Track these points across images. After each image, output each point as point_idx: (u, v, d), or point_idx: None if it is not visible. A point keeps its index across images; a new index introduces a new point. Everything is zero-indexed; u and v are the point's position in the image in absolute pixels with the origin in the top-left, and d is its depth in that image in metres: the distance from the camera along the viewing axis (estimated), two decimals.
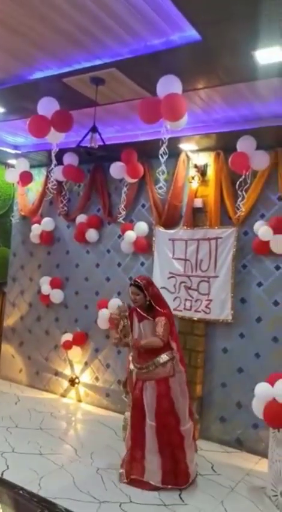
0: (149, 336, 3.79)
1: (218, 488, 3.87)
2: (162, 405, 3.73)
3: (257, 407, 3.77)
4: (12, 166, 6.43)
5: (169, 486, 3.70)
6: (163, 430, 3.71)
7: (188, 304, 5.06)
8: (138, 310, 3.89)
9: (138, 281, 3.87)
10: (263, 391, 3.70)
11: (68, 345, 6.02)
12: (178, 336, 4.20)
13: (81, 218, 6.10)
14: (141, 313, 3.87)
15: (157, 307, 3.84)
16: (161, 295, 4.07)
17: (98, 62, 3.52)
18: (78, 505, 3.36)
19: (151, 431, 3.73)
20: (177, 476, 3.73)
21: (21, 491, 3.41)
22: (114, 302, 5.60)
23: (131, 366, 3.96)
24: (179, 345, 4.02)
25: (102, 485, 3.76)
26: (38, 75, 3.86)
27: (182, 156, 5.21)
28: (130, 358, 3.99)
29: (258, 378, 4.04)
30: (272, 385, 3.63)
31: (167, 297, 5.16)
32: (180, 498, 3.66)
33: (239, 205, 4.73)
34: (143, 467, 3.77)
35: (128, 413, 4.00)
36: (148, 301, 3.85)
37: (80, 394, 6.09)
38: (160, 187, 3.80)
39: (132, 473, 3.80)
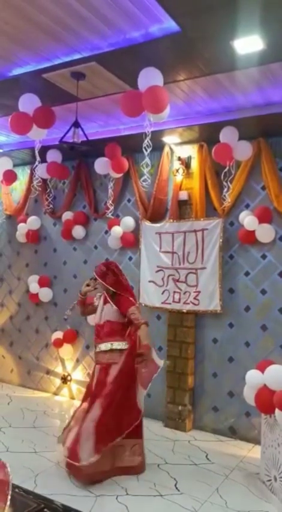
0: (106, 318, 4.00)
1: (212, 477, 3.92)
2: None
3: (249, 395, 3.82)
4: None
5: (67, 458, 3.75)
6: None
7: (176, 296, 5.08)
8: (105, 293, 4.11)
9: (95, 270, 4.12)
10: (254, 378, 3.74)
11: (58, 343, 6.02)
12: None
13: (67, 215, 6.08)
14: (107, 297, 4.07)
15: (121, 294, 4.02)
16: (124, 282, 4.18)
17: (77, 56, 3.51)
18: (75, 500, 3.37)
19: None
20: (72, 453, 3.70)
21: (17, 490, 3.40)
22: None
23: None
24: None
25: None
26: (18, 71, 3.83)
27: (166, 150, 5.22)
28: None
29: (249, 366, 4.08)
30: (262, 372, 3.68)
31: (156, 291, 5.22)
32: (176, 488, 3.69)
33: (224, 196, 4.76)
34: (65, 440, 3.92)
35: None
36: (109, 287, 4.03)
37: (73, 392, 6.09)
38: (144, 180, 3.81)
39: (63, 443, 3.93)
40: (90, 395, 3.97)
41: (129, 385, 3.82)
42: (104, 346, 3.94)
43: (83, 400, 4.09)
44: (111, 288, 4.01)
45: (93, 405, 3.80)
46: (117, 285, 4.03)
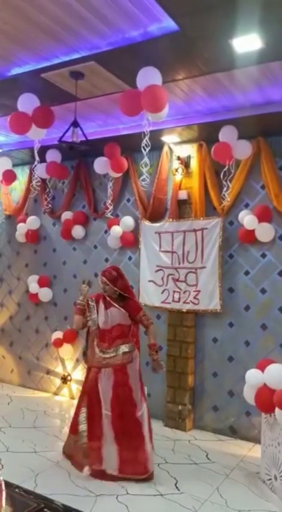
0: (116, 322, 3.98)
1: (213, 476, 3.92)
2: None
3: (249, 394, 3.82)
4: None
5: (127, 476, 3.70)
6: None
7: (176, 296, 5.08)
8: (107, 298, 4.03)
9: (105, 275, 4.01)
10: (254, 378, 3.74)
11: (58, 343, 6.01)
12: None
13: (66, 215, 6.08)
14: (110, 301, 4.01)
15: (129, 297, 4.06)
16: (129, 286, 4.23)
17: (76, 56, 3.51)
18: (75, 500, 3.37)
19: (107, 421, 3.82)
20: (136, 465, 3.72)
21: (17, 490, 3.39)
22: None
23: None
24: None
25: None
26: (16, 70, 3.82)
27: (165, 149, 5.22)
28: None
29: (249, 366, 4.08)
30: (262, 371, 3.67)
31: (155, 290, 5.22)
32: (176, 487, 3.69)
33: (224, 195, 4.76)
34: (101, 457, 3.78)
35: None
36: (117, 292, 4.01)
37: (73, 391, 6.09)
38: (144, 180, 3.81)
39: (91, 463, 3.81)
40: (98, 400, 3.85)
41: None
42: (125, 347, 3.90)
43: (92, 407, 3.88)
44: (122, 293, 4.00)
45: (130, 409, 3.80)
46: (126, 289, 4.08)
